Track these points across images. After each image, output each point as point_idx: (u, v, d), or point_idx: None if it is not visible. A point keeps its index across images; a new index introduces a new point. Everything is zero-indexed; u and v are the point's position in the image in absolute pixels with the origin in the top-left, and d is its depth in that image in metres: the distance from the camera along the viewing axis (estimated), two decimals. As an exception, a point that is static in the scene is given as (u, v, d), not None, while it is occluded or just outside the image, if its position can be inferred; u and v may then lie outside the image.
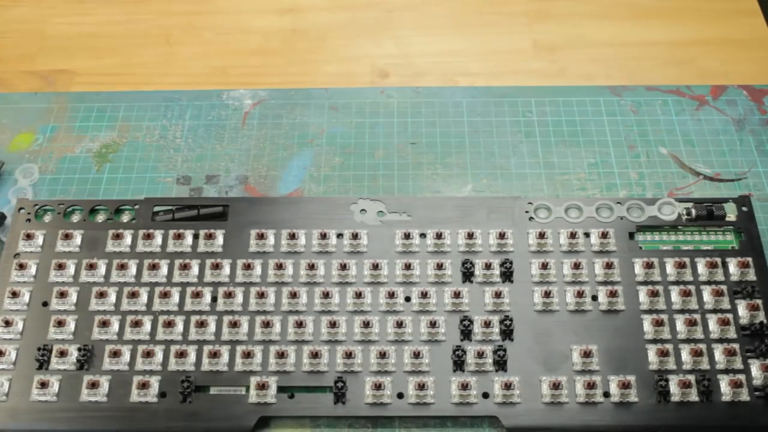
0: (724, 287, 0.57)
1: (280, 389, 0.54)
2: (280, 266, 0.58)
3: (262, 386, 0.53)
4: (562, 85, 0.72)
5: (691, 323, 0.56)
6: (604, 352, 0.55)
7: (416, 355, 0.54)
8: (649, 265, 0.58)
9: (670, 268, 0.58)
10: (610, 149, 0.67)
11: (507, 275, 0.58)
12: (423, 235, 0.59)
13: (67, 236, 0.60)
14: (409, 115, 0.70)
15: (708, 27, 0.76)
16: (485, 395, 0.54)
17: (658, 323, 0.56)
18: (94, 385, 0.54)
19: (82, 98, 0.72)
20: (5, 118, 0.71)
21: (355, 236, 0.59)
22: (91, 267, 0.58)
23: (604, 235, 0.59)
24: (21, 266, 0.58)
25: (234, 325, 0.56)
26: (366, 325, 0.56)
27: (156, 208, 0.62)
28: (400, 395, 0.54)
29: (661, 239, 0.60)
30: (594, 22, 0.77)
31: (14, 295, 0.57)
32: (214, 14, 0.79)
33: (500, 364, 0.55)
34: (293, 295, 0.57)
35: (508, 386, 0.53)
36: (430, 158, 0.68)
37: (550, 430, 0.53)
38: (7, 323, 0.56)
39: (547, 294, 0.57)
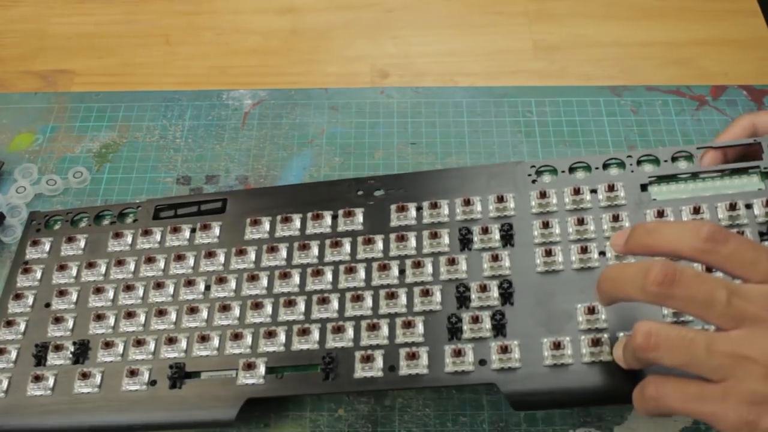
0: (747, 229, 0.52)
1: (269, 370, 0.53)
2: (272, 249, 0.57)
3: (249, 366, 0.52)
4: (562, 85, 0.72)
5: (709, 268, 0.49)
6: (611, 309, 0.50)
7: (408, 324, 0.52)
8: (661, 214, 0.53)
9: (685, 215, 0.53)
10: (610, 149, 0.67)
11: (507, 239, 0.54)
12: (419, 209, 0.57)
13: (70, 239, 0.60)
14: (409, 115, 0.70)
15: (708, 27, 0.76)
16: (482, 362, 0.50)
17: None
18: (85, 376, 0.54)
19: (82, 98, 0.73)
20: (5, 118, 0.71)
21: (348, 214, 0.57)
22: (91, 265, 0.58)
23: (611, 188, 0.54)
24: (26, 270, 0.59)
25: (225, 309, 0.55)
26: (357, 299, 0.54)
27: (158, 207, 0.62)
28: (392, 368, 0.51)
29: (678, 189, 0.55)
30: (594, 22, 0.77)
31: (18, 297, 0.58)
32: (214, 14, 0.79)
33: (498, 329, 0.51)
34: (284, 275, 0.56)
35: (504, 350, 0.50)
36: (430, 158, 0.68)
37: (552, 394, 0.49)
38: (9, 323, 0.57)
39: (549, 253, 0.53)
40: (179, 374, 0.53)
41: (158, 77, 0.75)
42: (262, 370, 0.53)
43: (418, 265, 0.54)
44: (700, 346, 0.40)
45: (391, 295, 0.53)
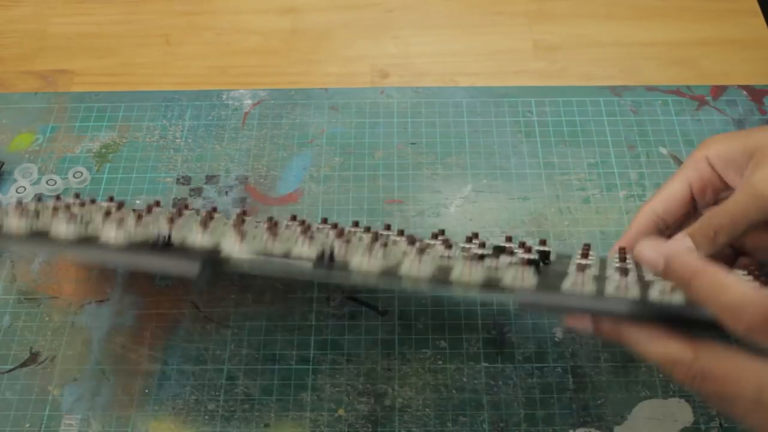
0: None
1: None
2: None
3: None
4: (562, 85, 0.72)
5: None
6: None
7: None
8: None
9: None
10: (610, 149, 0.67)
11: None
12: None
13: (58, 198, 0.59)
14: (409, 115, 0.70)
15: (708, 27, 0.76)
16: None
17: None
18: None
19: (82, 98, 0.73)
20: (5, 118, 0.71)
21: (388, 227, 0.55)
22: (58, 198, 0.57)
23: None
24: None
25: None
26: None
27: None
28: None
29: None
30: (594, 22, 0.77)
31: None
32: (214, 14, 0.79)
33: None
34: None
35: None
36: (430, 158, 0.68)
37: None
38: None
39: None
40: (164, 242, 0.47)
41: (158, 77, 0.75)
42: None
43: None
44: None
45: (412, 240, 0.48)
